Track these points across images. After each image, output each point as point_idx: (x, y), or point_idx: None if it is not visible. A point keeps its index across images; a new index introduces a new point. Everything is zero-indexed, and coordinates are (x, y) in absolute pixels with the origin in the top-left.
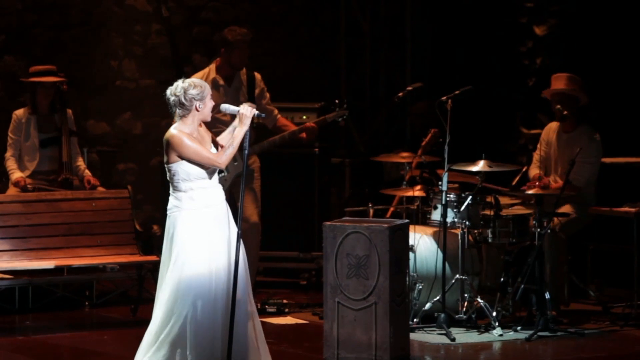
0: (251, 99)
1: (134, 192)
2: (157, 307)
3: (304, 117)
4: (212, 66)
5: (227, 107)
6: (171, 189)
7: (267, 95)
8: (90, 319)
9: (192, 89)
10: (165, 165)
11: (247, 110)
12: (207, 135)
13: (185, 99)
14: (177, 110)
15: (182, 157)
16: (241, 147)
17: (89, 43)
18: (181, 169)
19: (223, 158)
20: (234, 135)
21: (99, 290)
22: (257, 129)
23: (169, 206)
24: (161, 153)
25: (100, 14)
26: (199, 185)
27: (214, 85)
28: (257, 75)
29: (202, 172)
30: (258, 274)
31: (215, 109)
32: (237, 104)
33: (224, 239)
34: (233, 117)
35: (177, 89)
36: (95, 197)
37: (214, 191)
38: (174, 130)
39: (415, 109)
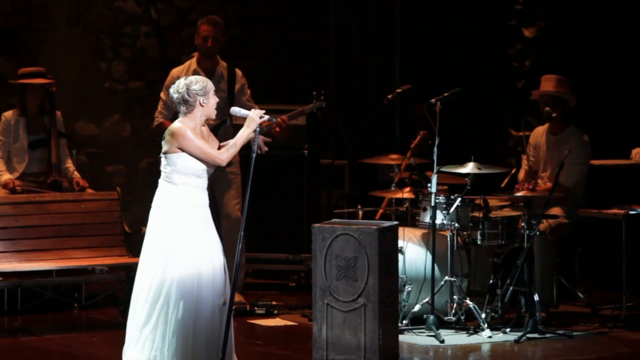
0: (231, 93)
1: (123, 194)
2: (139, 301)
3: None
4: (193, 59)
5: (237, 111)
6: (162, 180)
7: (248, 92)
8: (80, 320)
9: (195, 84)
10: (163, 155)
11: (255, 115)
12: (210, 137)
13: (188, 95)
14: (182, 107)
15: (183, 150)
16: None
17: (78, 45)
18: (180, 161)
19: (225, 155)
20: (238, 136)
21: (88, 292)
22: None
23: (157, 198)
24: (150, 154)
25: (89, 15)
26: (192, 183)
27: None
28: (239, 72)
29: (199, 169)
30: (247, 275)
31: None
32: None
33: (208, 240)
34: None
35: (179, 86)
36: (84, 199)
37: (203, 193)
38: (178, 123)
39: (417, 110)
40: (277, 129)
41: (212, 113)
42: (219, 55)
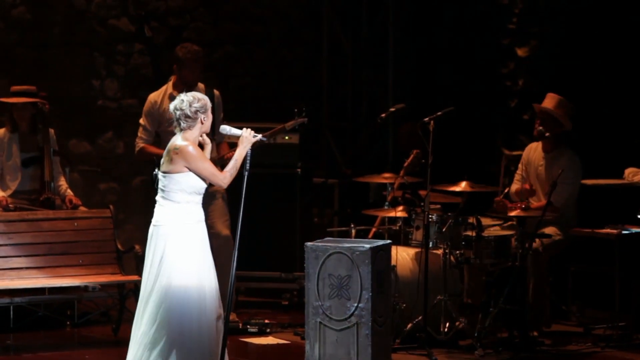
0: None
1: (116, 212)
2: (144, 316)
3: (286, 137)
4: (170, 83)
5: (228, 129)
6: (162, 199)
7: (222, 114)
8: (72, 338)
9: (197, 102)
10: (166, 174)
11: (248, 134)
12: (207, 145)
13: (190, 112)
14: (182, 123)
15: (191, 169)
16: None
17: (71, 62)
18: (185, 181)
19: (227, 178)
20: (235, 157)
21: (81, 309)
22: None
23: (159, 217)
24: (144, 172)
25: (82, 33)
26: (195, 200)
27: (171, 99)
28: (216, 92)
29: (202, 187)
30: (239, 293)
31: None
32: None
33: (209, 254)
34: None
35: (182, 103)
36: (77, 217)
37: (201, 208)
38: (184, 142)
39: (403, 128)
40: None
41: (208, 130)
42: (205, 71)
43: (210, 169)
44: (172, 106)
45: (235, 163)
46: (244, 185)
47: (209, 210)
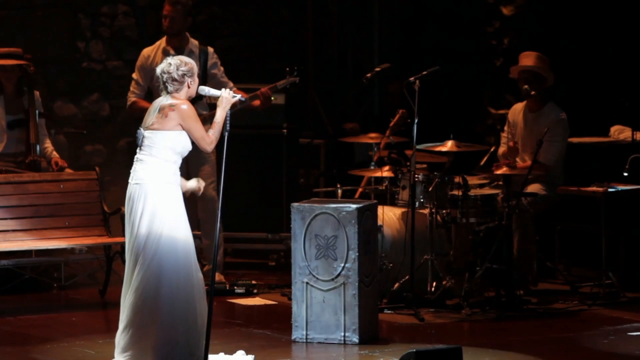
0: (203, 71)
1: (102, 174)
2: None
3: (272, 98)
4: (163, 38)
5: (207, 90)
6: (145, 156)
7: (222, 69)
8: (59, 301)
9: (184, 66)
10: (155, 131)
11: (227, 94)
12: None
13: (177, 75)
14: (169, 86)
15: (183, 127)
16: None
17: (56, 24)
18: (178, 140)
19: (213, 142)
20: (216, 119)
21: (67, 272)
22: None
23: (143, 175)
24: (129, 133)
25: None
26: (178, 161)
27: (165, 54)
28: (210, 49)
29: (188, 149)
30: (226, 254)
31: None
32: None
33: (186, 216)
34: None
35: (170, 66)
36: (63, 179)
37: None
38: (176, 100)
39: (392, 87)
40: (258, 102)
41: (194, 94)
42: (190, 33)
43: (201, 131)
44: (159, 69)
45: (217, 126)
46: (225, 147)
47: (198, 171)
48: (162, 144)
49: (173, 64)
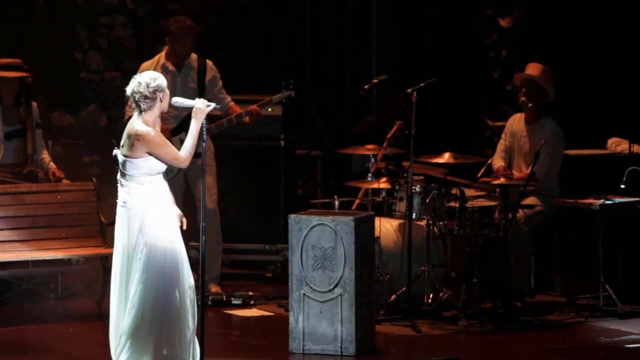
0: (201, 85)
1: (99, 185)
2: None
3: (269, 109)
4: (162, 53)
5: (180, 101)
6: (126, 181)
7: (220, 83)
8: (56, 311)
9: (153, 82)
10: (127, 159)
11: (202, 104)
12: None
13: (149, 92)
14: (142, 104)
15: (151, 154)
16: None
17: (54, 35)
18: (147, 165)
19: (188, 159)
20: (190, 132)
21: (64, 282)
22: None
23: (127, 198)
24: None
25: (64, 5)
26: (158, 178)
27: (164, 70)
28: (209, 63)
29: (164, 168)
30: (224, 265)
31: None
32: (187, 89)
33: (177, 224)
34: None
35: (139, 85)
36: (60, 190)
37: (164, 180)
38: (144, 127)
39: (392, 99)
40: (247, 119)
41: (167, 107)
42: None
43: (172, 153)
44: (129, 90)
45: (192, 139)
46: (203, 157)
47: (198, 183)
48: (135, 172)
49: (143, 83)
